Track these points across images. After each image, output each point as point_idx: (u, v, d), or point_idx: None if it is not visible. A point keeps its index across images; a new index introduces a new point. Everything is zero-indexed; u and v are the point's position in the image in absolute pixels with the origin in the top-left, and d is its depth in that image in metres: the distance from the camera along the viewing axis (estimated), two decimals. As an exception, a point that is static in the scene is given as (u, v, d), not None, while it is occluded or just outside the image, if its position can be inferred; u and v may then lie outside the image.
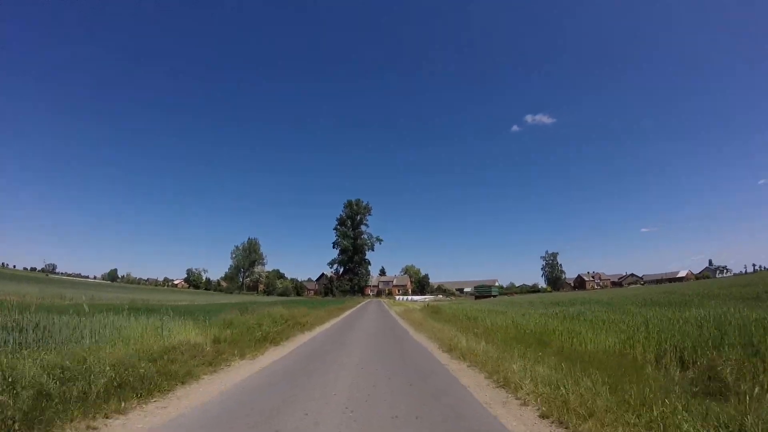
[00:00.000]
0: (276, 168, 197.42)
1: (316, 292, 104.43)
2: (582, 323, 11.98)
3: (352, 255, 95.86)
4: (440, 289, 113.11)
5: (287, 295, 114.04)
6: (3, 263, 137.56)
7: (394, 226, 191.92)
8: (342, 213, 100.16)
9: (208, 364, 7.84)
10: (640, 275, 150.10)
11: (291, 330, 15.08)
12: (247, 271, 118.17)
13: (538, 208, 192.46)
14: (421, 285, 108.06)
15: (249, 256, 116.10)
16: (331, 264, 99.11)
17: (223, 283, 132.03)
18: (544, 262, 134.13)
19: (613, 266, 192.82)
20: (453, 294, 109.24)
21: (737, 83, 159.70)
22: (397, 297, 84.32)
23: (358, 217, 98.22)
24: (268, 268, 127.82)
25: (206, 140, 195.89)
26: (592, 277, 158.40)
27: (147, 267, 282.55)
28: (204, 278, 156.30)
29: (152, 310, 13.61)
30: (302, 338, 14.69)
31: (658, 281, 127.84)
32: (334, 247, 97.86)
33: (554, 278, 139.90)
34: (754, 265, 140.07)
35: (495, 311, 22.25)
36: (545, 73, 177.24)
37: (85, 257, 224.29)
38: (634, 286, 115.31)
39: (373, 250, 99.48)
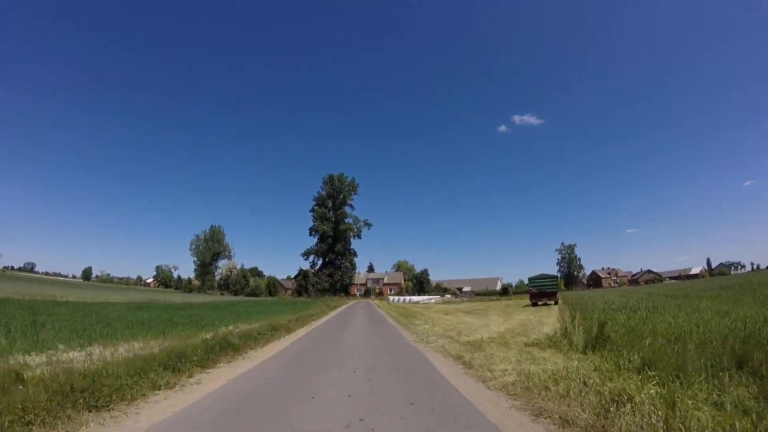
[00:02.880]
0: (256, 158, 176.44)
1: (292, 292, 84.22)
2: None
3: (333, 243, 75.15)
4: (440, 288, 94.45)
5: (257, 295, 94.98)
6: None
7: (380, 220, 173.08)
8: (321, 190, 79.10)
9: None
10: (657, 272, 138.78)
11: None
12: (209, 265, 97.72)
13: (539, 201, 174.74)
14: (419, 283, 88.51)
15: (211, 247, 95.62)
16: (306, 255, 77.27)
17: (196, 282, 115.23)
18: (559, 256, 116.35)
19: (622, 263, 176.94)
20: (455, 293, 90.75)
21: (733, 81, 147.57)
22: (391, 297, 65.33)
23: (341, 196, 76.96)
24: (247, 265, 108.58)
25: (185, 128, 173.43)
26: (608, 273, 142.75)
27: (124, 264, 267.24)
28: (175, 276, 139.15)
29: None
30: None
31: (676, 278, 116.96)
32: (311, 235, 77.48)
33: (570, 274, 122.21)
34: (752, 263, 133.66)
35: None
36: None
37: (62, 255, 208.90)
38: (664, 283, 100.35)
39: (360, 238, 78.52)
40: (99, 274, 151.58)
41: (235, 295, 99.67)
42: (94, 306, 21.46)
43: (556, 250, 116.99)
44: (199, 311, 21.90)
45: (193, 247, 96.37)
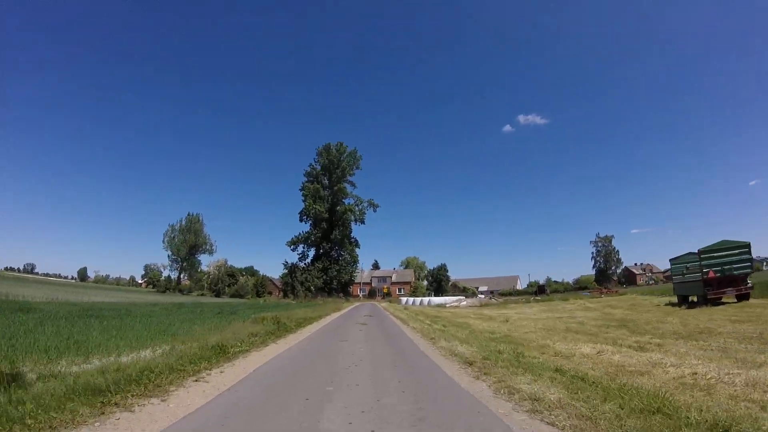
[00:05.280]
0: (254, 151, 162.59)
1: (279, 292, 68.88)
2: None
3: (329, 229, 58.38)
4: (456, 288, 79.16)
5: (241, 296, 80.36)
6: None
7: (382, 217, 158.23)
8: (313, 163, 62.11)
9: None
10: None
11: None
12: (185, 261, 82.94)
13: (557, 196, 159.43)
14: (436, 281, 72.71)
15: (187, 239, 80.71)
16: (293, 244, 60.20)
17: (186, 282, 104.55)
18: (594, 250, 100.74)
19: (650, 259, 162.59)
20: (474, 293, 75.43)
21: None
22: (403, 299, 49.74)
23: (340, 170, 59.83)
24: (239, 264, 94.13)
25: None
26: (642, 269, 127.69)
27: (120, 264, 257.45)
28: (165, 275, 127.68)
29: None
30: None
31: None
32: (302, 221, 60.97)
33: (602, 270, 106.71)
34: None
35: None
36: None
37: (60, 255, 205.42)
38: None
39: (363, 223, 61.16)
40: (94, 275, 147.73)
41: (216, 296, 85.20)
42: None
43: (591, 242, 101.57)
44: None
45: (167, 239, 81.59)
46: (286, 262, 60.17)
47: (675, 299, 24.41)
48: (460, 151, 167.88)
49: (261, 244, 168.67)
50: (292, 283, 53.32)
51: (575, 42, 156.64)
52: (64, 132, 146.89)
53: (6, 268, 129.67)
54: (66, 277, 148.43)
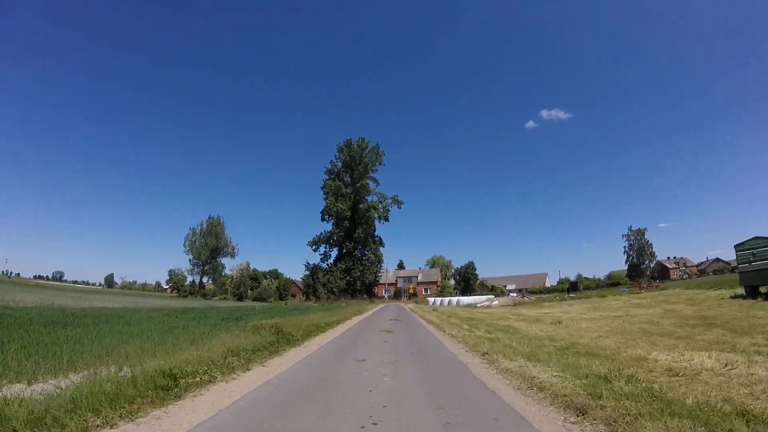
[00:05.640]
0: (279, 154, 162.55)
1: (301, 294, 67.73)
2: None
3: (352, 228, 56.09)
4: (484, 287, 76.27)
5: (264, 299, 79.72)
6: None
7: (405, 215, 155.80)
8: (334, 160, 60.04)
9: None
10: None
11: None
12: (207, 264, 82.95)
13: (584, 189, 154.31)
14: (464, 280, 70.09)
15: (208, 242, 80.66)
16: (314, 244, 57.92)
17: (210, 286, 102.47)
18: (626, 243, 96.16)
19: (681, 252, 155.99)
20: (502, 292, 72.36)
21: None
22: (431, 299, 47.62)
23: (362, 166, 57.39)
24: (264, 267, 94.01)
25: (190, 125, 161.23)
26: (675, 263, 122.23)
27: (149, 270, 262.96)
28: (189, 280, 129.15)
29: None
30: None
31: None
32: (323, 220, 59.00)
33: (635, 265, 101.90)
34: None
35: None
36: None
37: (89, 263, 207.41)
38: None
39: (387, 220, 58.59)
40: (120, 282, 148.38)
41: (239, 299, 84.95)
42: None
43: (623, 235, 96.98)
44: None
45: (188, 243, 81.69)
46: (308, 263, 58.15)
47: (738, 291, 21.89)
48: (483, 148, 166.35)
49: (285, 247, 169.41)
50: (313, 285, 51.77)
51: (595, 35, 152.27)
52: (92, 136, 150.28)
53: (35, 276, 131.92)
54: (94, 284, 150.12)
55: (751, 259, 19.77)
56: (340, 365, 7.57)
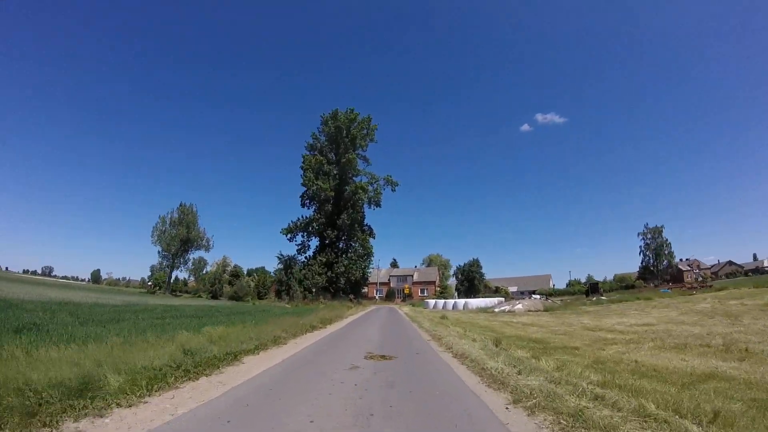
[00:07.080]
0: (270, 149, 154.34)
1: (275, 293, 58.36)
2: None
3: (336, 213, 45.56)
4: (488, 289, 67.70)
5: (240, 299, 70.75)
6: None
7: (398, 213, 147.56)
8: (316, 133, 48.98)
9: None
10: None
11: None
12: (177, 258, 73.69)
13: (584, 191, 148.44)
14: (468, 280, 60.89)
15: (178, 233, 71.30)
16: (290, 232, 46.44)
17: (194, 284, 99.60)
18: (643, 243, 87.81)
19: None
20: (507, 294, 63.69)
21: None
22: (430, 302, 38.23)
23: (348, 139, 46.70)
24: (251, 265, 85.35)
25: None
26: (689, 265, 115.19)
27: (136, 266, 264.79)
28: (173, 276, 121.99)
29: None
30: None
31: (753, 271, 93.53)
32: (303, 205, 47.90)
33: (647, 268, 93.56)
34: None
35: None
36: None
37: (77, 258, 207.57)
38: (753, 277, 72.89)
39: (378, 206, 47.52)
40: (107, 277, 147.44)
41: (213, 297, 75.80)
42: None
43: (639, 234, 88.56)
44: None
45: (156, 233, 72.26)
46: (281, 255, 47.02)
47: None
48: (478, 149, 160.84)
49: (272, 245, 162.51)
50: (287, 281, 41.94)
51: (590, 39, 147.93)
52: (84, 131, 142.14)
53: (24, 271, 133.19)
54: (83, 280, 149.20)
55: None
56: None
